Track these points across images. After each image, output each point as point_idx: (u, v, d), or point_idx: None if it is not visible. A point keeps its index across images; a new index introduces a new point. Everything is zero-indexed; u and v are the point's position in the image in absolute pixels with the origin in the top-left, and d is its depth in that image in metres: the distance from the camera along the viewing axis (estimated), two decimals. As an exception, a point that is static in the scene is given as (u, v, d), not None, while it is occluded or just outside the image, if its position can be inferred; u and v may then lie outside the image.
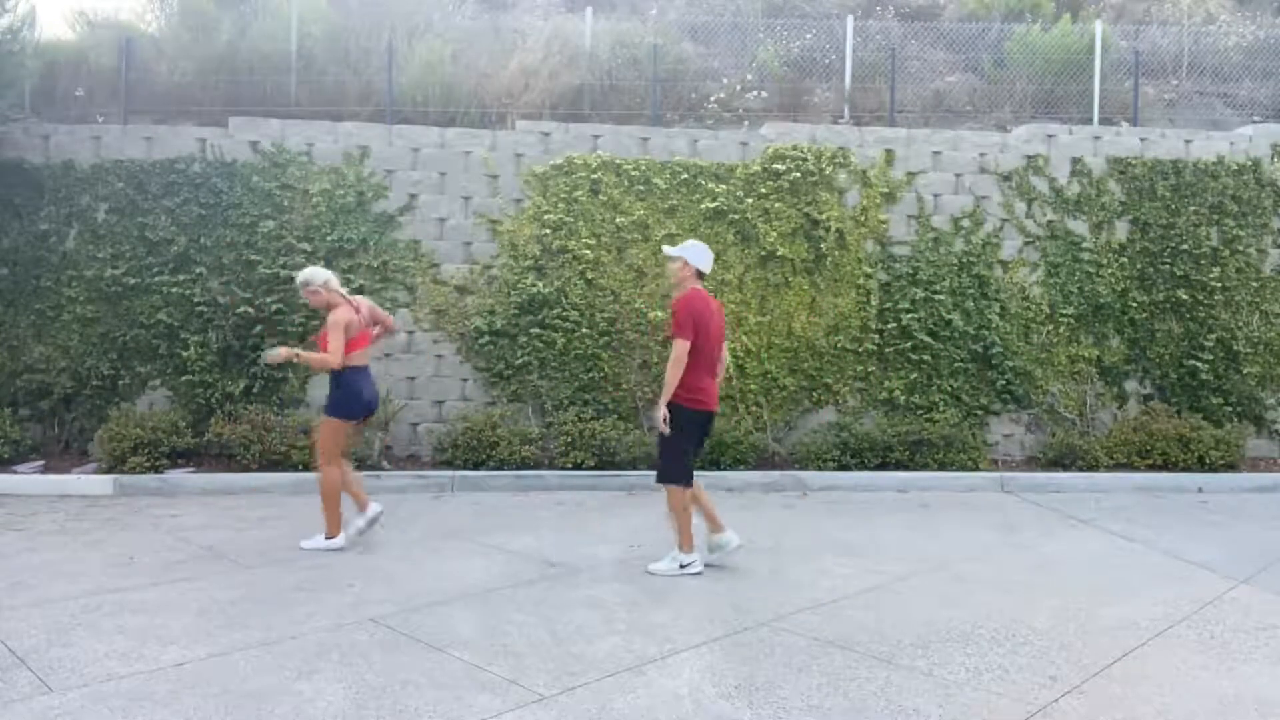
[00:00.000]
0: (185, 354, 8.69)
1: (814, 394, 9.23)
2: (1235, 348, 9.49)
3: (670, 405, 5.42)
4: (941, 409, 9.17)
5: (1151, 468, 8.82)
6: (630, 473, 8.35)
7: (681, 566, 5.53)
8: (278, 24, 10.39)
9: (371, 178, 9.03)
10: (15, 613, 4.73)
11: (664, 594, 5.15)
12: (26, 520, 6.84)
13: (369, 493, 7.90)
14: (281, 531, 6.54)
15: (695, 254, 5.59)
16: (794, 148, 9.28)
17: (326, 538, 6.01)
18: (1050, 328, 9.42)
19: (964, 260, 9.38)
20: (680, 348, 5.33)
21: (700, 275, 5.61)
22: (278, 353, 5.67)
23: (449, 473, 8.24)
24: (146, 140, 8.93)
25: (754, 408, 9.13)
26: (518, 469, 8.34)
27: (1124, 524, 7.07)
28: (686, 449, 5.52)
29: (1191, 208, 9.57)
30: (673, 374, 5.36)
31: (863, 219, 9.33)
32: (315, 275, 5.93)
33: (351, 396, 5.87)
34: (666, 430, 5.41)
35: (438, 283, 9.04)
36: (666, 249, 5.71)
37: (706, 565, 5.65)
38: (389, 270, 8.97)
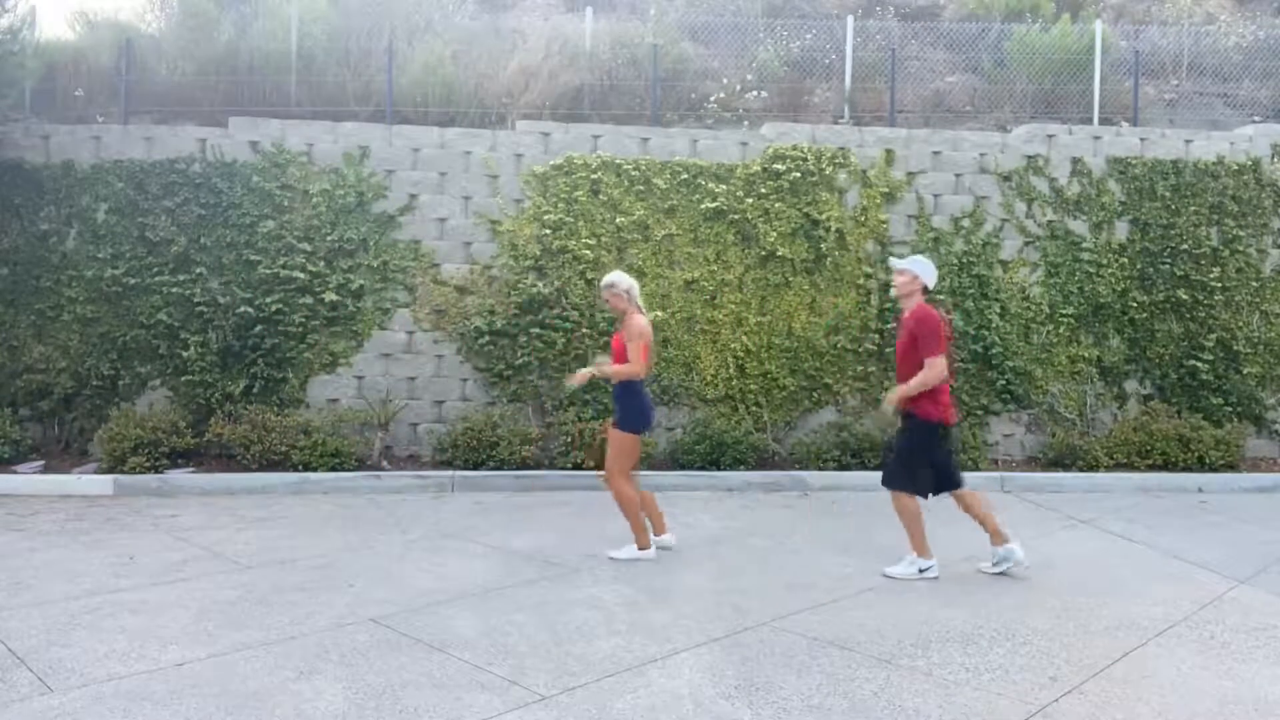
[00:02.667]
0: (185, 354, 8.69)
1: (814, 394, 9.23)
2: (1235, 348, 9.50)
3: (919, 418, 5.41)
4: (941, 409, 9.16)
5: (1151, 468, 8.82)
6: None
7: (920, 571, 5.52)
8: (278, 24, 10.39)
9: (371, 178, 9.03)
10: (15, 613, 4.73)
11: (664, 594, 5.15)
12: (26, 520, 6.84)
13: (369, 491, 7.93)
14: (281, 531, 6.54)
15: (925, 270, 5.58)
16: (794, 148, 9.28)
17: (639, 548, 5.85)
18: (1050, 328, 9.42)
19: (964, 260, 9.38)
20: (940, 365, 5.32)
21: (926, 291, 5.59)
22: (581, 375, 5.69)
23: (449, 473, 8.24)
24: (146, 140, 8.93)
25: (754, 408, 9.13)
26: (518, 469, 8.34)
27: (1124, 524, 7.07)
28: (931, 461, 5.50)
29: (1191, 208, 9.56)
30: (929, 381, 5.34)
31: (863, 219, 9.33)
32: (621, 280, 5.81)
33: (646, 408, 5.80)
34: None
35: (438, 283, 9.04)
36: (894, 261, 5.72)
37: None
38: (389, 270, 8.97)
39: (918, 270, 5.56)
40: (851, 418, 9.14)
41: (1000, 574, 5.57)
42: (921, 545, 5.56)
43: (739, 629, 4.58)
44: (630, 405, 5.74)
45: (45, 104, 9.82)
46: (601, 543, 6.29)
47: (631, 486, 5.84)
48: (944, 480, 5.58)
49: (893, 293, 5.66)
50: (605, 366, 5.75)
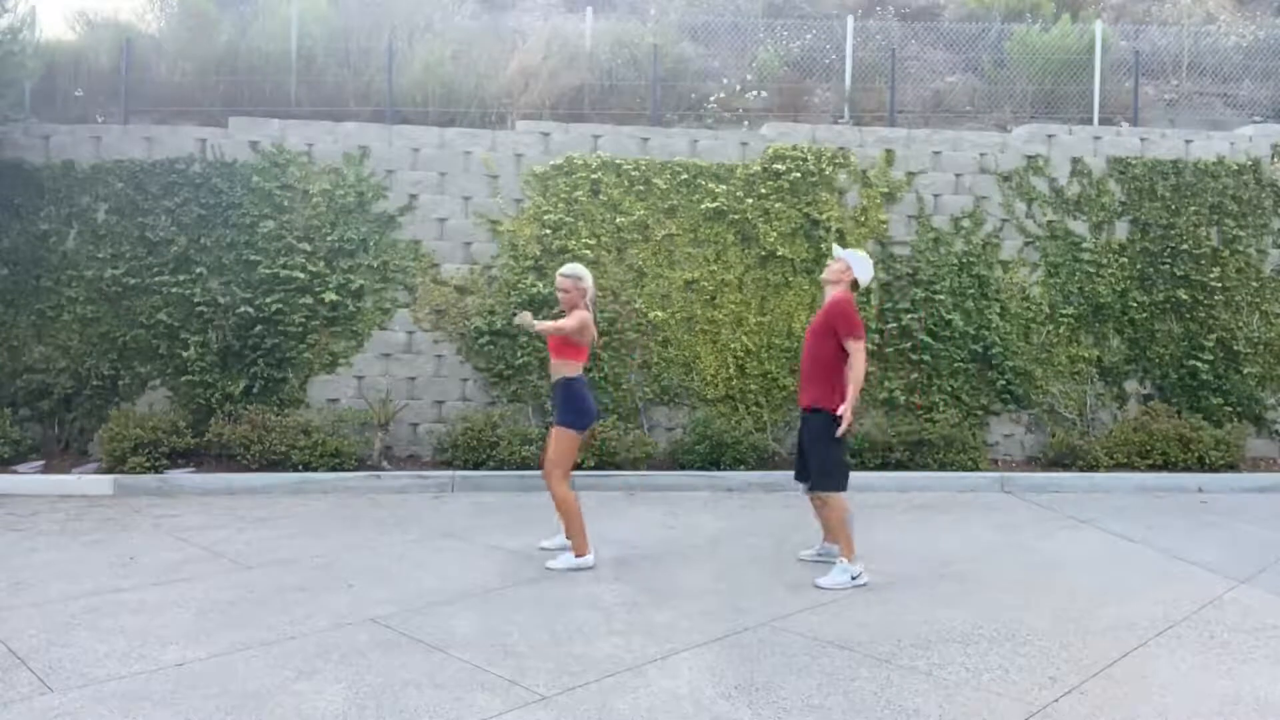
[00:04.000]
0: (185, 354, 8.69)
1: (814, 394, 9.22)
2: (1235, 348, 9.49)
3: (828, 413, 5.32)
4: (941, 409, 9.17)
5: (1152, 468, 8.82)
6: (630, 473, 8.35)
7: (853, 578, 5.31)
8: (278, 24, 10.39)
9: (371, 178, 9.03)
10: (15, 613, 4.73)
11: (664, 594, 5.15)
12: (26, 520, 6.84)
13: (369, 491, 7.93)
14: (281, 531, 6.54)
15: (859, 265, 5.58)
16: (794, 148, 9.28)
17: (577, 555, 5.68)
18: (1050, 328, 9.42)
19: (964, 260, 9.38)
20: (862, 346, 5.28)
21: (855, 286, 5.61)
22: (526, 316, 5.55)
23: (449, 473, 8.24)
24: (146, 140, 8.93)
25: (754, 408, 9.13)
26: (518, 469, 8.34)
27: (1124, 524, 7.07)
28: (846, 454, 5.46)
29: (1191, 208, 9.56)
30: (862, 373, 5.30)
31: (863, 219, 9.33)
32: (586, 277, 5.77)
33: (588, 405, 5.72)
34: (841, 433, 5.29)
35: (438, 283, 9.03)
36: (837, 249, 5.75)
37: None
38: (389, 270, 8.97)
39: (851, 262, 5.57)
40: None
41: (862, 585, 5.31)
42: (851, 547, 5.39)
43: (739, 629, 4.58)
44: (571, 401, 5.66)
45: (45, 104, 9.82)
46: (602, 543, 6.29)
47: (568, 488, 5.72)
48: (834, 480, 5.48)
49: (821, 276, 5.67)
50: (541, 323, 5.58)
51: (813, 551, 5.82)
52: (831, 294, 5.59)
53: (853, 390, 5.31)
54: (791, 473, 8.40)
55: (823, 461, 5.42)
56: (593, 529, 6.67)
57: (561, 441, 5.69)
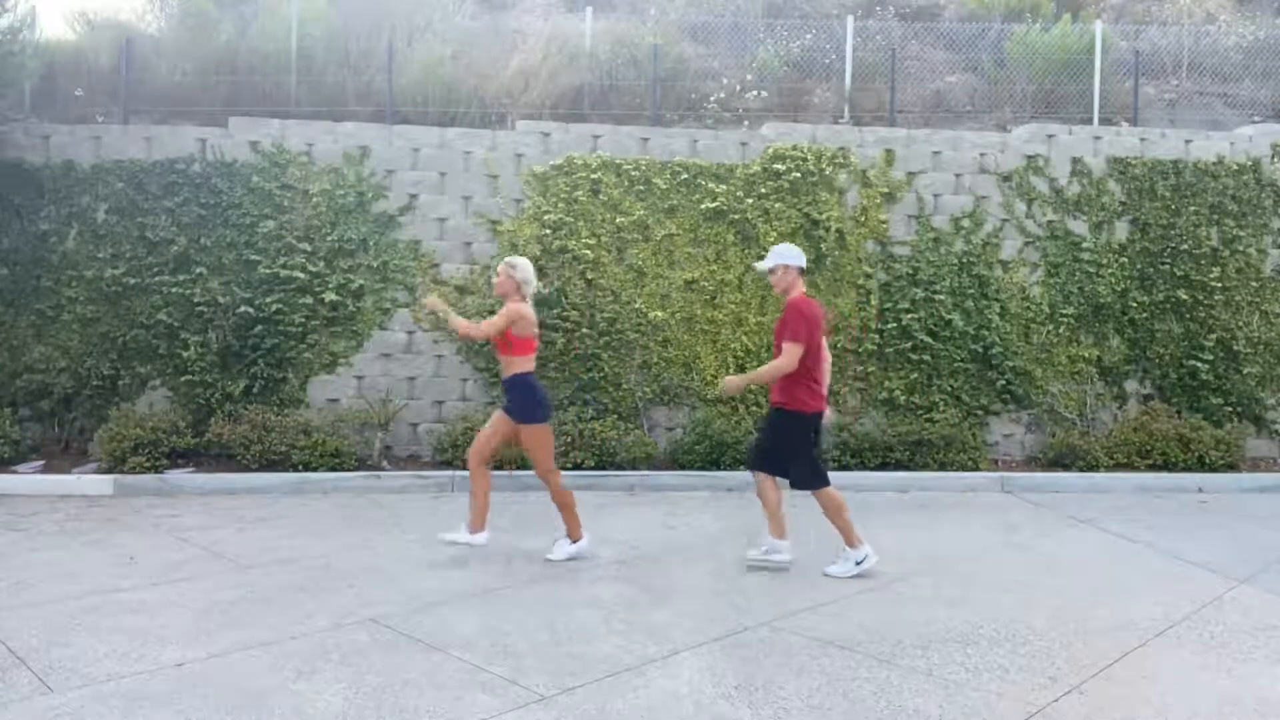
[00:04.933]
0: (185, 354, 8.69)
1: (814, 394, 9.22)
2: (1235, 348, 9.49)
3: (792, 412, 5.41)
4: (941, 409, 9.17)
5: (1151, 468, 8.82)
6: (630, 473, 8.35)
7: (857, 564, 5.50)
8: (278, 24, 10.39)
9: (371, 178, 9.03)
10: (15, 613, 4.73)
11: (664, 594, 5.15)
12: (27, 520, 6.84)
13: (369, 491, 7.93)
14: (281, 531, 6.54)
15: (791, 255, 5.54)
16: (794, 148, 9.28)
17: (572, 542, 5.85)
18: (1050, 328, 9.42)
19: (964, 260, 9.38)
20: (794, 353, 5.32)
21: (802, 272, 5.60)
22: (434, 300, 5.61)
23: (449, 473, 8.23)
24: (146, 140, 8.93)
25: (754, 408, 9.12)
26: (518, 469, 8.33)
27: (1124, 524, 7.07)
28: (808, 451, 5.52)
29: (1191, 208, 9.56)
30: (776, 371, 5.37)
31: (863, 219, 9.33)
32: (523, 268, 5.72)
33: (542, 400, 5.70)
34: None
35: (438, 283, 9.03)
36: (759, 265, 5.68)
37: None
38: (389, 270, 8.97)
39: (784, 261, 5.53)
40: (851, 418, 9.14)
41: (772, 568, 5.60)
42: (853, 535, 5.54)
43: (739, 629, 4.58)
44: (528, 398, 5.65)
45: (45, 104, 9.82)
46: (602, 543, 6.29)
47: (559, 476, 5.79)
48: (774, 466, 5.54)
49: (776, 290, 5.70)
50: (455, 318, 5.53)
51: (760, 551, 5.75)
52: (793, 297, 5.57)
53: (759, 374, 5.51)
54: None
55: (793, 461, 5.48)
56: (593, 529, 6.67)
57: (537, 437, 5.69)
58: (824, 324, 5.60)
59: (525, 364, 5.68)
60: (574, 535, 5.86)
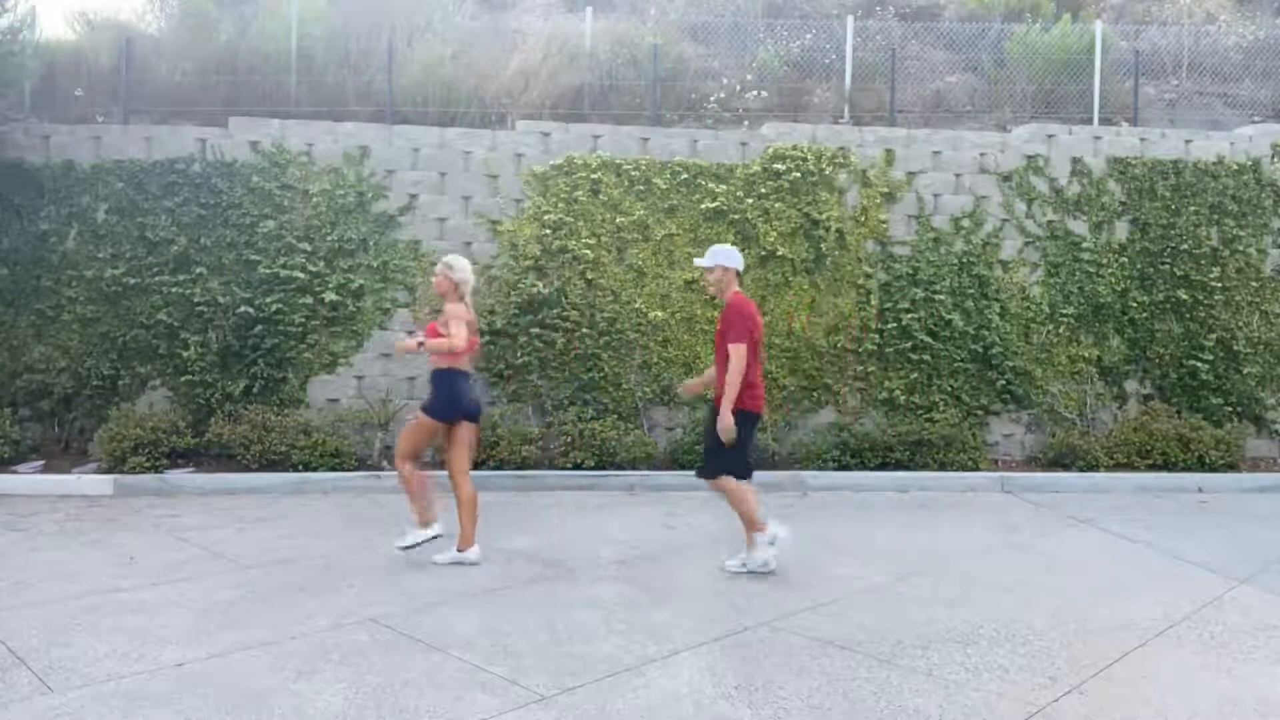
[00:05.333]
0: (185, 354, 8.69)
1: (814, 394, 9.23)
2: (1235, 348, 9.49)
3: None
4: (941, 409, 9.17)
5: (1151, 468, 8.82)
6: (630, 472, 8.35)
7: (770, 544, 5.55)
8: (278, 24, 10.39)
9: (371, 178, 9.03)
10: (15, 613, 4.73)
11: (664, 594, 5.15)
12: (26, 520, 6.84)
13: (368, 491, 7.92)
14: (281, 531, 6.54)
15: (728, 256, 5.57)
16: (794, 148, 9.28)
17: (459, 550, 5.76)
18: (1050, 328, 9.42)
19: (964, 260, 9.38)
20: (741, 349, 5.33)
21: (738, 275, 5.65)
22: (407, 343, 5.62)
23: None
24: (146, 140, 8.93)
25: (754, 408, 9.12)
26: (518, 469, 8.34)
27: (1124, 524, 7.07)
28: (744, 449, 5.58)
29: (1191, 208, 9.56)
30: (737, 376, 5.34)
31: (863, 219, 9.33)
32: (459, 266, 5.71)
33: (454, 399, 5.65)
34: (729, 437, 5.38)
35: (438, 283, 9.02)
36: (698, 261, 5.67)
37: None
38: (389, 270, 8.97)
39: (723, 262, 5.55)
40: (851, 418, 9.14)
41: (760, 572, 5.54)
42: (755, 521, 5.55)
43: (739, 629, 4.58)
44: (443, 394, 5.63)
45: (45, 104, 9.82)
46: (602, 543, 6.30)
47: (411, 467, 5.72)
48: (726, 466, 5.60)
49: (710, 291, 5.73)
50: (430, 340, 5.56)
51: (737, 561, 5.69)
52: (727, 298, 5.59)
53: (729, 392, 5.37)
54: (792, 473, 8.46)
55: (724, 454, 5.53)
56: (594, 529, 6.68)
57: (422, 425, 5.70)
58: (761, 325, 5.66)
59: (455, 361, 5.65)
60: (425, 520, 5.74)
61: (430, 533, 5.73)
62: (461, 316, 5.58)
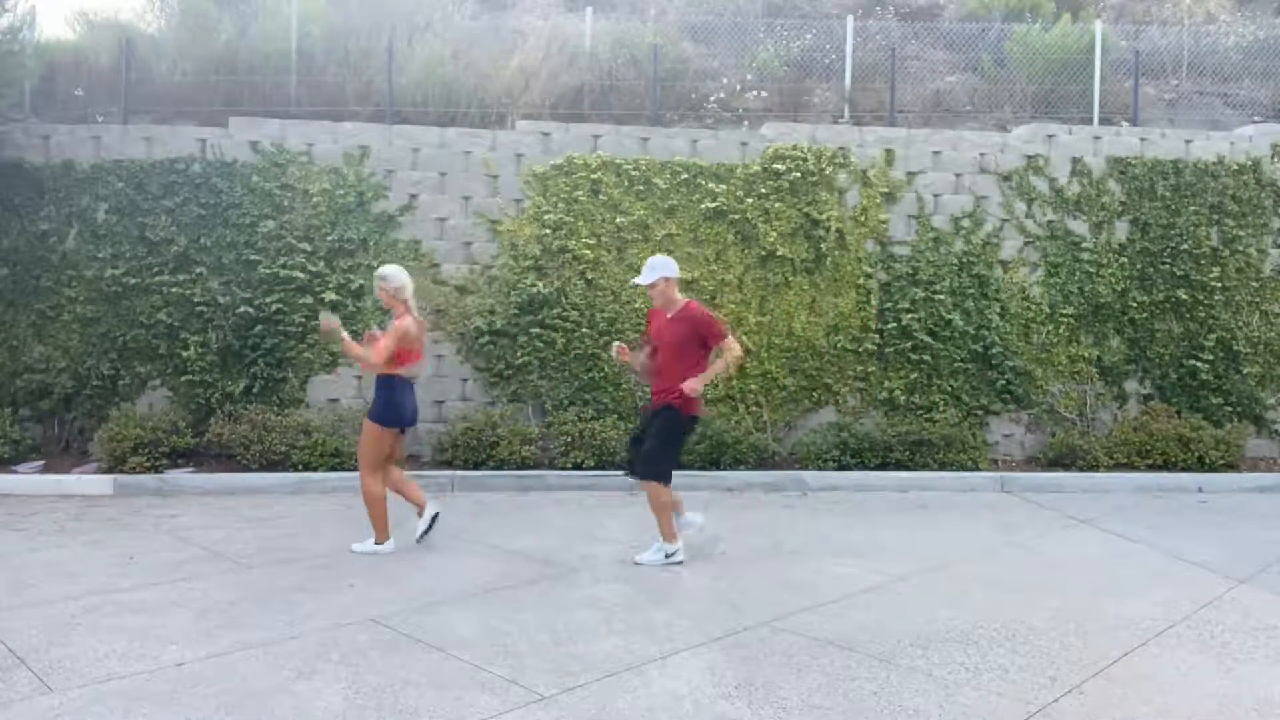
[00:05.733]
0: (185, 354, 8.69)
1: (814, 394, 9.23)
2: (1235, 348, 9.49)
3: (674, 407, 5.58)
4: (941, 409, 9.17)
5: (1151, 468, 8.82)
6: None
7: (667, 556, 5.72)
8: (278, 24, 10.39)
9: (371, 178, 9.03)
10: (15, 613, 4.73)
11: (664, 594, 5.15)
12: (26, 520, 6.84)
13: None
14: (282, 531, 6.54)
15: (668, 266, 5.77)
16: (794, 148, 9.28)
17: (376, 542, 5.97)
18: (1050, 328, 9.42)
19: (964, 260, 9.38)
20: (734, 345, 5.66)
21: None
22: (330, 320, 5.72)
23: (449, 473, 8.23)
24: (146, 140, 8.93)
25: (754, 408, 9.13)
26: (518, 469, 8.34)
27: (1124, 524, 7.07)
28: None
29: (1191, 208, 9.56)
30: (727, 370, 5.64)
31: (863, 219, 9.33)
32: (393, 276, 5.82)
33: (392, 404, 5.77)
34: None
35: (438, 283, 9.03)
36: (639, 280, 5.83)
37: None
38: (389, 270, 8.96)
39: (666, 272, 5.72)
40: (851, 418, 9.14)
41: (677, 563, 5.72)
42: (671, 531, 5.72)
43: (739, 629, 4.58)
44: (382, 397, 5.76)
45: (45, 104, 9.82)
46: (602, 543, 6.30)
47: (377, 482, 5.83)
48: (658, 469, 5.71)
49: (656, 302, 5.85)
50: (350, 344, 5.67)
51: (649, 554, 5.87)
52: (675, 308, 5.74)
53: (713, 373, 5.65)
54: (792, 473, 8.46)
55: (666, 458, 5.69)
56: (594, 529, 6.69)
57: (373, 433, 5.80)
58: None
59: (404, 369, 5.80)
60: (419, 504, 6.05)
61: (430, 512, 6.02)
62: (403, 331, 5.69)
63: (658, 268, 5.74)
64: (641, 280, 5.80)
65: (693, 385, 5.46)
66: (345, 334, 5.72)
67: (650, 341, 5.82)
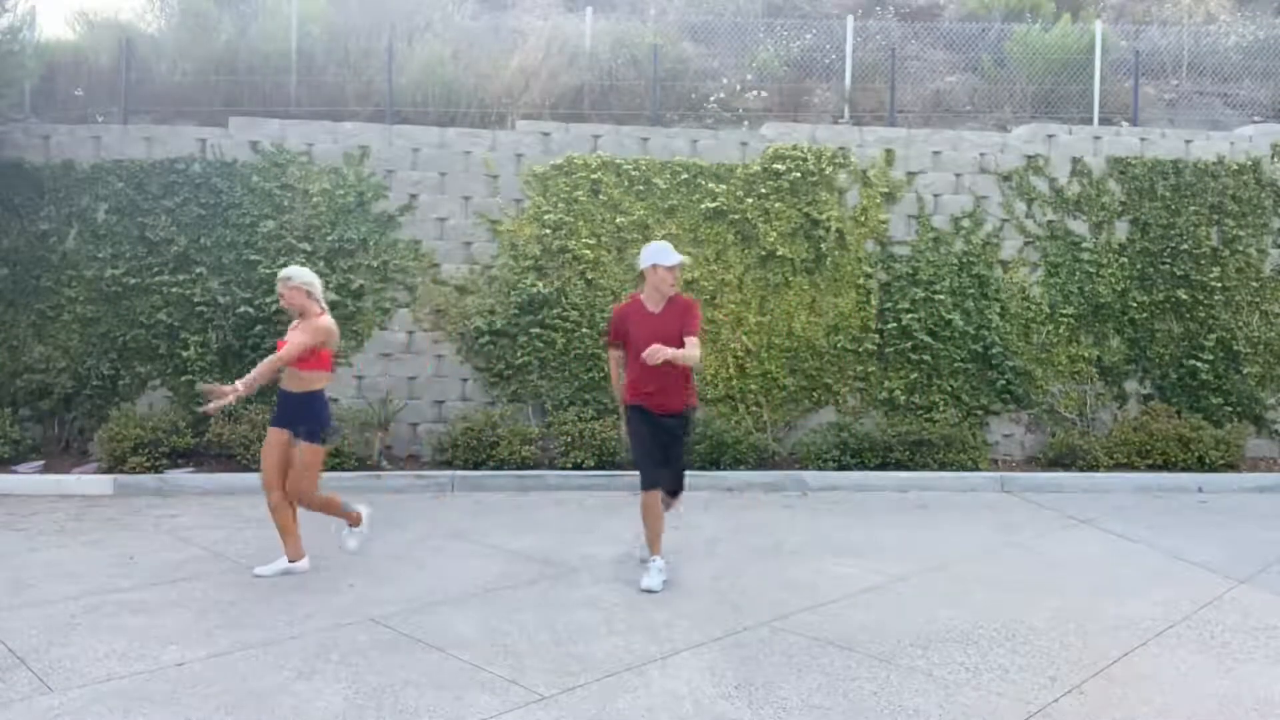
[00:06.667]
0: (185, 354, 8.69)
1: (814, 394, 9.23)
2: (1235, 348, 9.49)
3: (694, 409, 5.55)
4: (941, 409, 9.17)
5: (1151, 468, 8.82)
6: (630, 472, 8.30)
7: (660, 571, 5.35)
8: (278, 24, 10.39)
9: (371, 178, 9.03)
10: (15, 613, 4.73)
11: (664, 594, 5.15)
12: (26, 520, 6.84)
13: (368, 491, 7.92)
14: (281, 531, 6.54)
15: (660, 253, 5.55)
16: (794, 148, 9.28)
17: (290, 560, 5.48)
18: (1050, 328, 9.42)
19: (964, 260, 9.38)
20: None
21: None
22: (211, 388, 5.27)
23: (449, 473, 8.23)
24: (146, 140, 8.93)
25: (754, 408, 9.13)
26: (518, 469, 8.34)
27: (1124, 524, 7.07)
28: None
29: (1191, 208, 9.56)
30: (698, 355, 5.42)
31: (863, 219, 9.33)
32: (298, 274, 5.41)
33: (330, 418, 5.51)
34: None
35: (438, 283, 9.04)
36: (682, 258, 5.57)
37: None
38: (389, 270, 8.97)
39: (661, 260, 5.50)
40: (851, 418, 9.14)
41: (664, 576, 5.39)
42: (657, 544, 5.37)
43: (739, 629, 4.58)
44: (322, 414, 5.43)
45: (45, 104, 9.82)
46: (602, 543, 6.30)
47: (316, 494, 5.43)
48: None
49: (664, 289, 5.56)
50: (259, 371, 5.25)
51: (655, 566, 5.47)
52: (672, 297, 5.53)
53: (681, 354, 5.22)
54: (792, 473, 8.46)
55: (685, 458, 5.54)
56: (594, 529, 6.68)
57: (315, 457, 5.39)
58: None
59: (324, 379, 5.49)
60: (350, 517, 5.66)
61: (365, 519, 5.70)
62: (326, 327, 5.36)
63: (653, 261, 5.54)
64: (675, 259, 5.48)
65: (676, 352, 5.04)
66: (235, 384, 5.25)
67: (631, 343, 5.36)
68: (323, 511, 5.57)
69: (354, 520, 5.69)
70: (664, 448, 5.35)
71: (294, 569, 5.45)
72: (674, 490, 5.63)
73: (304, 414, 5.41)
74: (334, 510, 5.59)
